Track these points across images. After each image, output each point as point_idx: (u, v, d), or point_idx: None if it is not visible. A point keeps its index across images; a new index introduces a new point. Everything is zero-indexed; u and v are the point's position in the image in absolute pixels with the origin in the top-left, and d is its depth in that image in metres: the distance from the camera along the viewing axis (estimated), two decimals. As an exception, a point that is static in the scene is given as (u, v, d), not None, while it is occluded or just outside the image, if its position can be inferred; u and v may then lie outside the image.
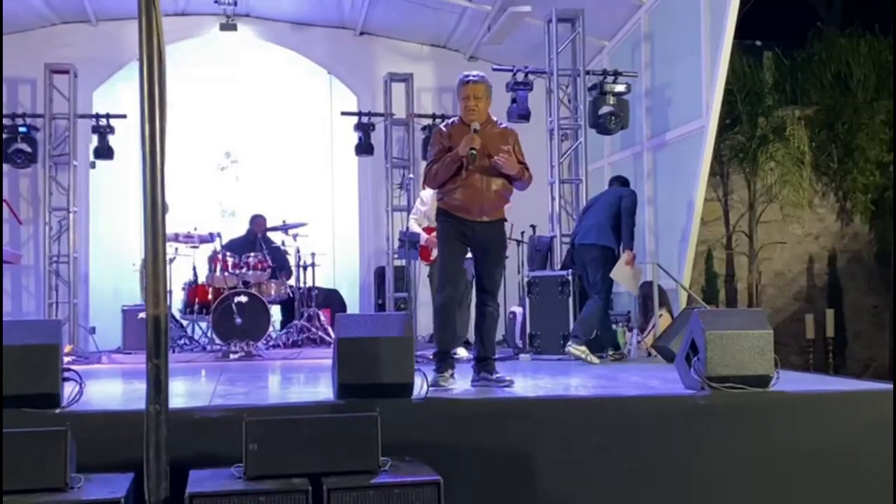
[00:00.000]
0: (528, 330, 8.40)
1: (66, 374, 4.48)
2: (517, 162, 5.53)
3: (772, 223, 13.65)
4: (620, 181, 8.36)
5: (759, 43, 14.57)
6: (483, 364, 5.50)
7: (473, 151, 5.34)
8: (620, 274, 7.62)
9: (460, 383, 5.37)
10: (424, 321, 9.51)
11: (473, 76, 5.57)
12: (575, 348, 7.43)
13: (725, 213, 13.64)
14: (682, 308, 8.66)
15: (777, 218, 13.66)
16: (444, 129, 5.61)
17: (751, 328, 4.95)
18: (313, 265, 9.83)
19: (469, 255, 5.66)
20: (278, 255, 9.92)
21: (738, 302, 13.31)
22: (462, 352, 7.55)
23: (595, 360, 7.46)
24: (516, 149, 5.60)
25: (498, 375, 5.43)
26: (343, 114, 11.36)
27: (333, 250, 11.49)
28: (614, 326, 8.52)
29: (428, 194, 8.21)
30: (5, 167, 10.47)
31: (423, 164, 11.16)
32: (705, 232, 12.60)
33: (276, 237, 10.06)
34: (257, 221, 10.29)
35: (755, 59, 13.81)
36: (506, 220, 5.69)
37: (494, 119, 5.68)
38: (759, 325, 4.99)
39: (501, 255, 5.70)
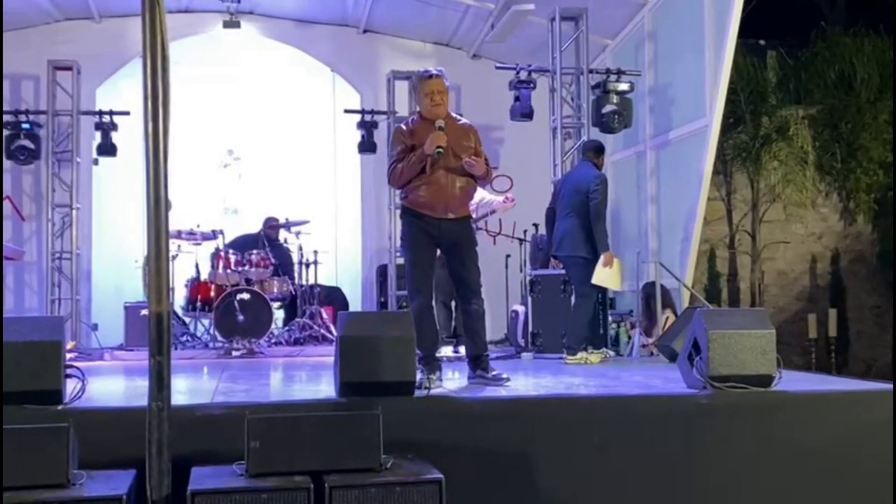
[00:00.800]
0: (530, 328, 8.39)
1: (69, 371, 4.48)
2: (483, 161, 5.51)
3: (775, 223, 13.65)
4: (594, 150, 7.96)
5: (762, 42, 14.55)
6: (477, 362, 5.48)
7: (440, 149, 5.28)
8: (601, 277, 7.44)
9: (450, 384, 5.36)
10: (426, 319, 9.51)
11: (436, 71, 5.51)
12: (571, 359, 7.41)
13: (728, 213, 13.64)
14: (684, 307, 8.65)
15: (780, 217, 13.65)
16: (404, 127, 5.55)
17: (753, 328, 4.94)
18: (315, 263, 9.83)
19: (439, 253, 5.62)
20: (282, 255, 9.93)
21: (741, 301, 13.31)
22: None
23: (594, 358, 7.44)
24: (477, 145, 5.56)
25: (494, 373, 5.40)
26: (346, 111, 11.36)
27: (336, 248, 11.48)
28: (615, 326, 8.52)
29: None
30: (8, 164, 10.48)
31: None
32: (708, 231, 12.60)
33: (279, 235, 10.05)
34: (270, 224, 10.24)
35: (759, 59, 13.79)
36: (471, 217, 5.67)
37: (454, 114, 5.64)
38: (762, 324, 4.98)
39: (472, 250, 5.60)
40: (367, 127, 11.22)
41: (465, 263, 5.50)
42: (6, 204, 10.85)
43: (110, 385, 6.12)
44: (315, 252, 9.83)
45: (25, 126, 10.26)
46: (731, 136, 13.17)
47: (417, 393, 4.82)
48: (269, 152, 11.60)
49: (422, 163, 5.34)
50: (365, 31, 11.77)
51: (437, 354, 5.58)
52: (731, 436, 4.74)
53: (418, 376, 5.08)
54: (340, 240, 11.76)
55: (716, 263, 13.40)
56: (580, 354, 7.39)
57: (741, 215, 13.56)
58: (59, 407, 4.30)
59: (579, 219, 7.52)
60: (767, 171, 13.27)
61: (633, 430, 4.69)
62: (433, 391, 4.89)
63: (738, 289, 13.54)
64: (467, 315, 5.54)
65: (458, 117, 5.68)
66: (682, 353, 5.24)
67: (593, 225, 7.45)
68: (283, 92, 11.70)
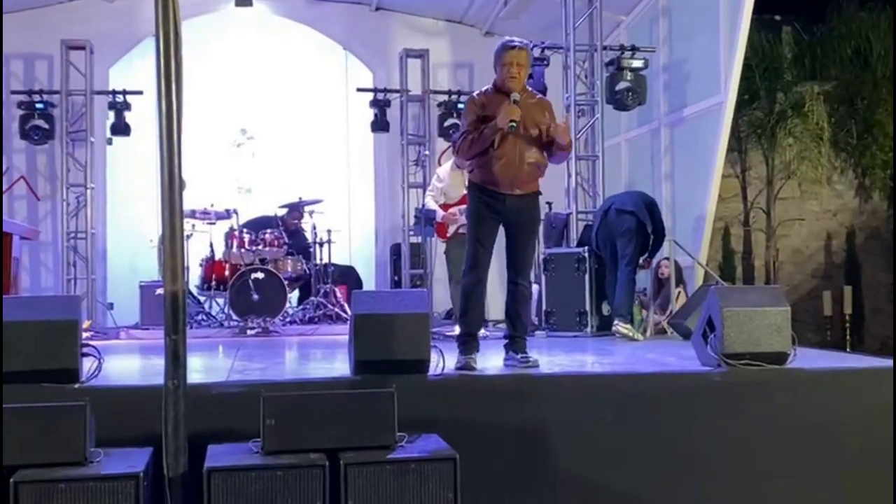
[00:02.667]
0: (543, 307, 8.39)
1: (85, 350, 4.51)
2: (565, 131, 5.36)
3: (790, 200, 13.57)
4: None
5: (777, 18, 14.39)
6: (513, 343, 5.35)
7: (513, 123, 5.11)
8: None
9: (481, 361, 5.32)
10: (440, 298, 9.54)
11: (518, 42, 5.33)
12: (623, 327, 7.42)
13: (743, 190, 13.57)
14: (698, 285, 8.63)
15: (795, 194, 13.58)
16: (477, 97, 5.38)
17: (768, 305, 4.93)
18: (329, 242, 9.83)
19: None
20: (299, 240, 9.95)
21: (756, 279, 13.27)
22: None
23: (640, 336, 7.47)
24: (552, 121, 5.39)
25: (524, 356, 5.25)
26: (359, 90, 11.32)
27: (349, 227, 11.48)
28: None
29: (445, 170, 8.19)
30: (22, 143, 10.52)
31: (439, 140, 11.31)
32: (722, 208, 12.53)
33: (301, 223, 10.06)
34: (294, 214, 10.22)
35: (774, 34, 13.67)
36: (540, 194, 5.46)
37: (529, 89, 5.49)
38: (777, 302, 4.97)
39: (534, 230, 5.51)
40: (380, 105, 11.18)
41: (522, 242, 5.35)
42: (21, 184, 10.90)
43: (126, 364, 6.16)
44: (329, 231, 9.84)
45: (39, 106, 10.27)
46: (746, 113, 13.08)
47: (457, 373, 4.81)
48: (282, 131, 11.59)
49: (493, 136, 5.17)
50: (377, 9, 11.71)
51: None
52: (745, 413, 4.74)
53: (458, 358, 5.08)
54: (354, 219, 11.76)
55: (730, 241, 13.35)
56: (629, 325, 7.46)
57: (756, 192, 13.49)
58: (76, 385, 4.33)
59: (646, 201, 7.89)
60: (782, 147, 13.19)
61: (646, 408, 4.69)
62: (455, 372, 4.87)
63: (752, 266, 13.50)
64: (512, 295, 5.36)
65: (534, 93, 5.52)
66: (697, 331, 5.23)
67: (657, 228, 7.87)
68: (296, 71, 11.67)
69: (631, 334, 7.40)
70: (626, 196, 8.08)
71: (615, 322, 7.53)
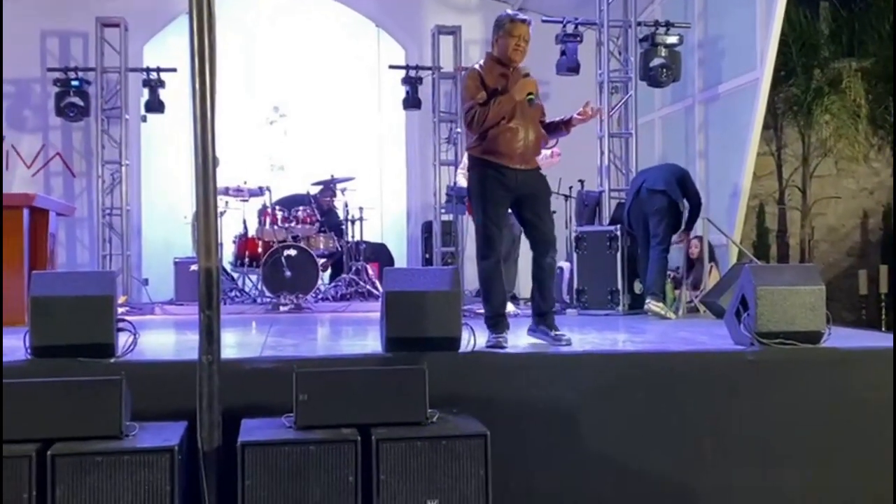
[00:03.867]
0: (575, 285, 8.37)
1: (121, 325, 4.56)
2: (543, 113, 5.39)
3: (826, 177, 13.43)
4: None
5: (815, -8, 14.21)
6: (542, 318, 5.30)
7: (531, 96, 5.11)
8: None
9: (511, 339, 5.30)
10: (471, 275, 9.49)
11: (524, 16, 5.28)
12: (655, 304, 7.40)
13: (778, 168, 13.44)
14: (732, 264, 8.57)
15: (831, 172, 13.43)
16: (478, 68, 5.28)
17: (802, 284, 4.88)
18: (361, 219, 9.86)
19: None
20: (332, 218, 9.98)
21: (790, 257, 13.16)
22: (510, 307, 7.55)
23: (673, 315, 7.45)
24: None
25: (557, 332, 5.19)
26: (391, 67, 11.31)
27: (381, 204, 11.51)
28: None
29: (476, 148, 8.16)
30: (58, 121, 10.62)
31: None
32: (757, 186, 12.43)
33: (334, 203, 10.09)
34: (326, 193, 10.25)
35: (811, 10, 13.48)
36: (540, 169, 5.45)
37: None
38: (811, 280, 4.92)
39: (548, 201, 5.42)
40: (412, 82, 11.17)
41: (540, 215, 5.27)
42: (57, 160, 11.01)
43: (161, 339, 6.22)
44: (360, 209, 9.87)
45: (75, 83, 10.35)
46: (782, 90, 12.93)
47: (490, 351, 4.82)
48: (314, 109, 11.61)
49: (507, 109, 5.11)
50: (410, -14, 11.69)
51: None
52: (778, 392, 4.71)
53: (489, 337, 5.06)
54: (386, 196, 11.79)
55: (765, 219, 13.24)
56: (661, 303, 7.43)
57: (791, 170, 13.36)
58: (112, 360, 4.37)
59: (678, 178, 7.80)
60: (819, 125, 13.03)
61: (678, 387, 4.67)
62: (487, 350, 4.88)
63: (787, 245, 13.39)
64: (539, 268, 5.28)
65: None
66: (730, 310, 5.20)
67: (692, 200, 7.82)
68: (329, 48, 11.68)
69: (663, 312, 7.37)
70: (657, 172, 8.01)
71: (647, 300, 7.50)
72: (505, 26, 5.22)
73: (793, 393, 4.71)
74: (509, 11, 5.40)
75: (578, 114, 5.32)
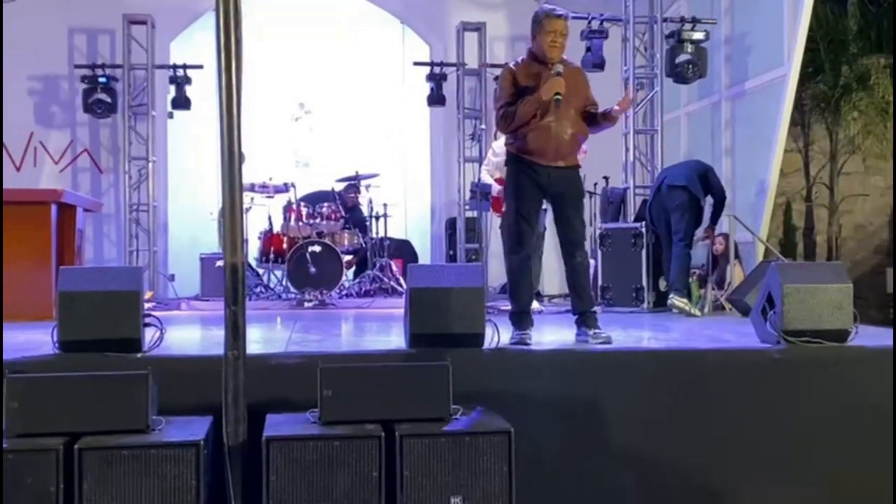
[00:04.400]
0: (600, 282, 8.35)
1: (147, 320, 4.58)
2: (594, 104, 5.30)
3: (853, 175, 13.29)
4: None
5: (843, -12, 14.05)
6: (583, 318, 5.24)
7: (559, 97, 5.01)
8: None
9: (535, 336, 5.28)
10: (495, 272, 9.54)
11: (561, 10, 5.19)
12: (678, 300, 7.37)
13: (806, 165, 13.32)
14: (758, 261, 8.52)
15: (859, 169, 13.29)
16: (513, 66, 5.27)
17: (829, 282, 4.84)
18: (385, 216, 9.88)
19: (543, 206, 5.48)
20: (356, 215, 10.01)
21: (817, 255, 13.05)
22: (534, 304, 7.54)
23: (697, 312, 7.42)
24: (588, 89, 5.32)
25: (595, 331, 5.14)
26: (415, 64, 11.32)
27: (405, 201, 11.53)
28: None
29: (500, 145, 8.16)
30: (86, 117, 10.70)
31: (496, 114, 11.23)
32: (784, 184, 12.32)
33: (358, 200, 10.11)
34: (351, 190, 10.28)
35: (839, 5, 13.32)
36: (580, 167, 5.40)
37: (564, 58, 5.30)
38: (838, 278, 4.88)
39: (581, 201, 5.40)
40: (437, 79, 11.17)
41: (571, 214, 5.25)
42: (85, 157, 11.10)
43: (187, 334, 6.26)
44: (384, 205, 9.89)
45: (102, 80, 10.44)
46: (810, 86, 12.80)
47: (516, 348, 4.82)
48: (339, 105, 11.64)
49: (536, 108, 5.08)
50: (435, -18, 11.69)
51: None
52: (804, 391, 4.67)
53: (513, 334, 5.05)
54: (410, 193, 11.80)
55: (792, 216, 13.13)
56: (685, 299, 7.40)
57: (819, 167, 13.23)
58: (139, 355, 4.40)
59: (700, 173, 7.76)
60: (847, 121, 12.89)
61: (704, 385, 4.65)
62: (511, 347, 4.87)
63: (814, 242, 13.27)
64: (572, 269, 5.26)
65: (569, 62, 5.34)
66: (756, 308, 5.16)
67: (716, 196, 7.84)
68: (353, 44, 11.70)
69: (687, 308, 7.34)
70: (678, 169, 7.97)
71: (670, 296, 7.47)
72: (541, 22, 5.17)
73: (819, 392, 4.68)
74: (546, 6, 5.31)
75: (618, 104, 5.27)
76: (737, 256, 8.59)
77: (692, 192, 7.59)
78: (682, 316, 7.33)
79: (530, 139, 5.15)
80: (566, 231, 5.27)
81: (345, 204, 9.88)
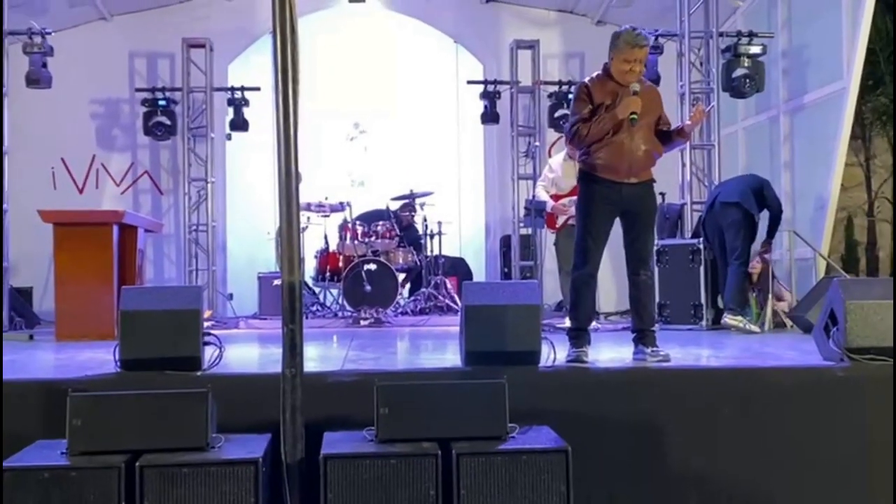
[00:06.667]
0: (657, 299, 8.26)
1: (207, 339, 4.64)
2: (667, 123, 5.27)
3: (917, 188, 13.04)
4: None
5: (904, -1, 13.81)
6: (641, 337, 5.20)
7: (634, 116, 5.00)
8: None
9: (592, 354, 5.24)
10: (550, 289, 9.50)
11: (643, 39, 5.12)
12: (732, 318, 7.31)
13: (867, 179, 13.12)
14: (820, 277, 8.36)
15: (923, 183, 13.04)
16: (588, 83, 5.22)
17: (893, 298, 4.74)
18: (440, 234, 9.91)
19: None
20: (412, 234, 10.05)
21: (880, 271, 12.81)
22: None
23: (755, 328, 7.32)
24: (662, 109, 5.30)
25: (653, 349, 5.11)
26: (469, 82, 11.35)
27: (459, 219, 11.54)
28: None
29: (557, 161, 8.15)
30: (147, 139, 10.90)
31: (550, 131, 11.25)
32: (845, 198, 12.16)
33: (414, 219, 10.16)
34: (406, 209, 10.34)
35: (900, 17, 13.13)
36: (654, 181, 5.32)
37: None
38: (903, 294, 4.78)
39: (652, 218, 5.36)
40: (490, 97, 11.18)
41: (640, 231, 5.22)
42: (145, 178, 11.30)
43: (246, 352, 6.32)
44: (439, 223, 9.91)
45: (162, 103, 10.63)
46: (870, 99, 12.64)
47: (571, 366, 4.79)
48: (393, 125, 11.71)
49: (611, 125, 5.06)
50: (488, 1, 11.70)
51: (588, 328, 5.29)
52: (869, 409, 4.57)
53: (570, 351, 5.02)
54: (464, 211, 11.81)
55: (853, 232, 12.94)
56: (739, 317, 7.32)
57: (881, 181, 13.03)
58: (198, 373, 4.46)
59: (755, 189, 7.72)
60: (909, 134, 12.67)
61: (766, 403, 4.57)
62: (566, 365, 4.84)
63: (877, 258, 13.05)
64: (635, 286, 5.22)
65: (644, 80, 5.32)
66: (818, 325, 5.07)
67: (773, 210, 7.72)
68: (407, 64, 11.77)
69: (742, 325, 7.23)
70: (731, 185, 7.88)
71: (724, 315, 7.37)
72: (620, 47, 5.10)
73: (885, 410, 4.57)
74: (629, 28, 5.21)
75: (690, 119, 5.26)
76: (774, 277, 8.42)
77: (746, 209, 7.50)
78: (741, 334, 7.22)
79: (603, 156, 5.11)
80: (636, 248, 5.22)
81: (400, 222, 9.92)
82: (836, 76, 8.79)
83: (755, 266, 8.26)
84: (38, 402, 4.11)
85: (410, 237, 10.00)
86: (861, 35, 8.34)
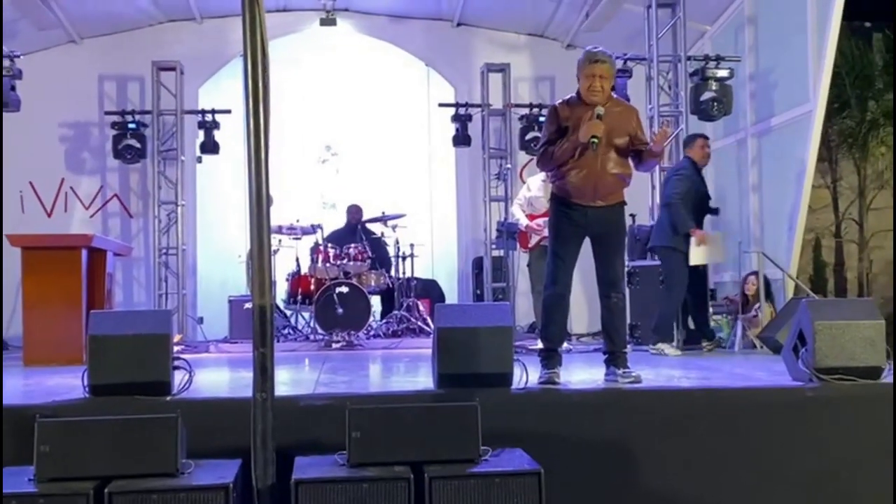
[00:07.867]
0: (628, 321, 8.29)
1: (176, 363, 4.62)
2: (644, 142, 5.26)
3: (883, 210, 13.21)
4: (684, 142, 8.26)
5: (868, 24, 14.04)
6: (612, 359, 5.22)
7: (595, 140, 4.98)
8: (698, 255, 7.48)
9: (564, 375, 5.24)
10: (523, 311, 9.52)
11: (602, 54, 5.17)
12: (653, 348, 7.44)
13: (834, 200, 13.27)
14: (788, 298, 8.44)
15: (888, 204, 13.21)
16: (559, 106, 5.25)
17: (861, 318, 4.80)
18: (412, 256, 9.91)
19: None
20: (378, 247, 10.04)
21: (848, 291, 12.94)
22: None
23: (674, 351, 7.38)
24: (639, 129, 5.28)
25: (625, 370, 5.12)
26: (440, 105, 11.40)
27: (432, 241, 11.55)
28: (717, 317, 8.38)
29: (536, 182, 8.17)
30: (116, 162, 10.83)
31: (521, 153, 11.30)
32: (813, 220, 12.28)
33: (376, 228, 10.15)
34: (352, 210, 10.46)
35: (864, 41, 13.34)
36: (625, 204, 5.34)
37: (614, 97, 5.34)
38: (870, 315, 4.83)
39: (621, 241, 5.38)
40: (462, 120, 11.23)
41: (609, 254, 5.24)
42: (115, 201, 11.23)
43: (216, 376, 6.28)
44: (411, 245, 9.91)
45: (132, 126, 10.58)
46: (836, 122, 12.80)
47: (543, 388, 4.80)
48: (365, 147, 11.73)
49: (574, 149, 5.07)
50: (459, 25, 11.78)
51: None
52: (838, 429, 4.61)
53: (541, 373, 5.03)
54: (436, 233, 11.82)
55: (821, 253, 13.07)
56: (660, 345, 7.42)
57: (847, 203, 13.18)
58: (168, 398, 4.43)
59: (665, 215, 7.74)
60: (875, 157, 12.88)
61: (736, 424, 4.60)
62: (541, 388, 4.84)
63: (845, 279, 13.18)
64: (606, 309, 5.24)
65: (620, 101, 5.38)
66: (787, 345, 5.12)
67: (673, 214, 7.57)
68: (379, 87, 11.80)
69: (661, 352, 7.33)
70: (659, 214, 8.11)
71: (653, 344, 7.50)
72: (580, 64, 5.19)
73: (853, 429, 4.61)
74: (589, 49, 5.28)
75: (654, 140, 5.31)
76: (769, 297, 8.50)
77: (663, 246, 7.66)
78: (713, 355, 7.26)
79: (570, 179, 5.15)
80: (605, 271, 5.24)
81: (363, 227, 9.90)
82: (802, 99, 8.91)
83: (750, 289, 8.35)
84: (6, 428, 4.05)
85: (377, 250, 9.95)
86: (827, 59, 8.46)
